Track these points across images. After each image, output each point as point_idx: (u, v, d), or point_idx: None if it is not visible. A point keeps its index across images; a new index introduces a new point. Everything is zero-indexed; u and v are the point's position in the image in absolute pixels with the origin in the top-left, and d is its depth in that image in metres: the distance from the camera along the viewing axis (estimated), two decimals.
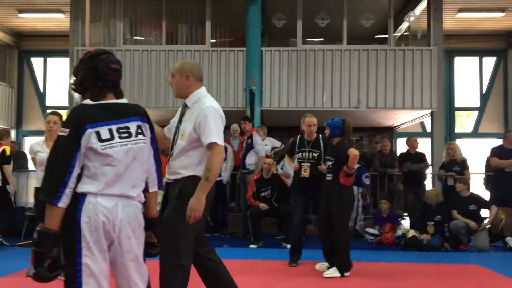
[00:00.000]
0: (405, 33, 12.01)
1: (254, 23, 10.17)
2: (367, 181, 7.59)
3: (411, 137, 9.45)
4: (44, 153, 5.31)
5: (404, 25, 11.71)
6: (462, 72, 14.65)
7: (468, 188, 7.77)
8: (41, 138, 5.53)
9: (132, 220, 2.43)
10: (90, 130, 2.33)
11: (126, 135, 2.41)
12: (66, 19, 11.64)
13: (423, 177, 9.18)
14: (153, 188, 2.66)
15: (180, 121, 3.39)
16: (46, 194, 2.31)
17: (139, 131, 2.47)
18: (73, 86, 2.52)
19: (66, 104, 10.85)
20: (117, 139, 2.38)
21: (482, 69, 14.59)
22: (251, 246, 7.48)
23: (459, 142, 11.78)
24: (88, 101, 2.45)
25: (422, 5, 11.10)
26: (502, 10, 12.09)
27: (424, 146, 10.28)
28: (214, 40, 11.39)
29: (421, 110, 10.64)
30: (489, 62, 14.59)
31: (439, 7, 10.62)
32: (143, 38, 11.80)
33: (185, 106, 3.42)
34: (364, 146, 13.90)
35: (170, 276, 3.30)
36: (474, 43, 14.04)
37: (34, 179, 7.26)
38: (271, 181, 7.75)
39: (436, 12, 10.60)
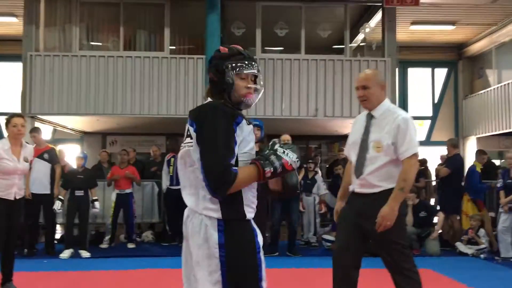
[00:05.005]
0: (361, 44, 12.33)
1: (214, 31, 10.19)
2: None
3: None
4: (11, 162, 4.86)
5: (360, 37, 12.03)
6: (415, 82, 15.16)
7: (418, 196, 8.03)
8: (4, 142, 4.95)
9: (194, 234, 2.20)
10: None
11: (184, 137, 2.33)
12: (20, 23, 11.32)
13: None
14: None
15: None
16: None
17: (188, 133, 2.27)
18: None
19: (19, 110, 10.51)
20: (183, 142, 2.34)
21: (434, 80, 15.16)
22: None
23: None
24: None
25: (377, 17, 11.44)
26: (453, 23, 12.63)
27: None
28: (174, 47, 11.33)
29: None
30: (441, 73, 15.18)
31: (393, 19, 10.98)
32: (100, 43, 11.60)
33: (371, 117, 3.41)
34: (323, 154, 14.14)
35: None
36: (426, 54, 14.58)
37: None
38: None
39: (390, 24, 10.95)
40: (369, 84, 3.37)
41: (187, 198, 2.24)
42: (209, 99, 2.31)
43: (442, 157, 11.43)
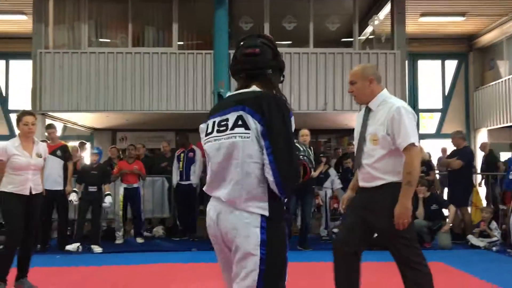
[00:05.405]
0: (370, 37, 12.25)
1: (221, 26, 10.15)
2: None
3: None
4: (23, 157, 4.87)
5: (369, 29, 11.94)
6: (425, 74, 15.04)
7: (429, 189, 7.99)
8: (15, 139, 4.99)
9: (229, 231, 2.09)
10: (202, 125, 2.24)
11: (224, 128, 2.10)
12: (29, 21, 11.39)
13: None
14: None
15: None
16: None
17: (239, 123, 2.06)
18: None
19: (29, 107, 10.59)
20: (214, 133, 2.13)
21: (444, 72, 15.03)
22: None
23: (422, 142, 12.09)
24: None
25: (386, 10, 11.35)
26: (463, 14, 12.50)
27: None
28: (182, 43, 11.34)
29: None
30: (451, 65, 15.04)
31: (402, 11, 10.88)
32: (109, 40, 11.64)
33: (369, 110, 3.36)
34: (333, 148, 14.09)
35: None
36: (436, 46, 14.45)
37: None
38: None
39: (399, 16, 10.86)
40: (355, 79, 3.41)
41: (220, 191, 2.10)
42: (255, 88, 2.17)
43: (443, 150, 11.36)
